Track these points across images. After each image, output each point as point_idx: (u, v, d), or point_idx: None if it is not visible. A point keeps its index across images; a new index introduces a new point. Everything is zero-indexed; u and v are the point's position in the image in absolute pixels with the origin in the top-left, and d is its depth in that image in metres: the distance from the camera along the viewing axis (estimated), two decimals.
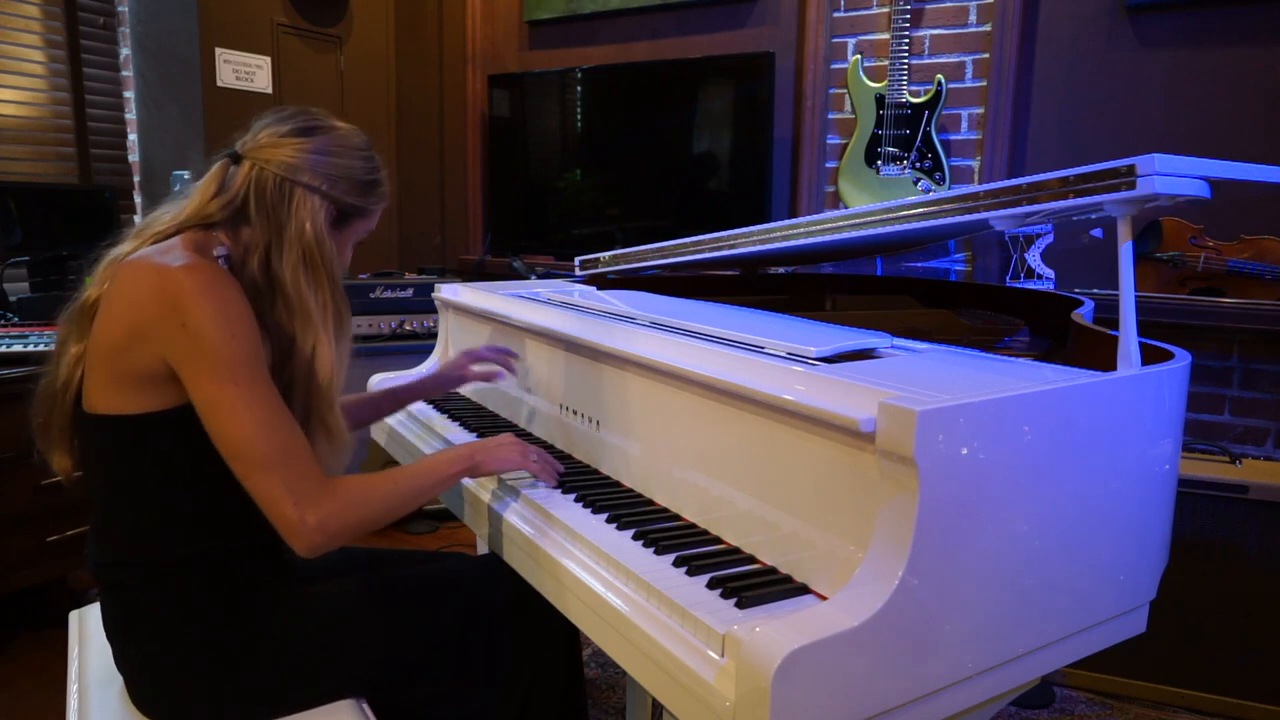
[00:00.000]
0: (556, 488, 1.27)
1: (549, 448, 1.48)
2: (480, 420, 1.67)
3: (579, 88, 3.27)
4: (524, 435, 1.56)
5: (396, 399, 1.63)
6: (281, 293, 1.13)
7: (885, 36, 2.76)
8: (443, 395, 1.88)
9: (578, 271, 2.12)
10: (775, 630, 0.77)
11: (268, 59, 3.32)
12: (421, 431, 1.68)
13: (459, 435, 1.60)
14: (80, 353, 1.11)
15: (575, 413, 1.43)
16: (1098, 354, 1.19)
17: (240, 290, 1.06)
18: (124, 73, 2.99)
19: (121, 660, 1.15)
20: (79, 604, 1.45)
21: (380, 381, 1.92)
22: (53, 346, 1.15)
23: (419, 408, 1.79)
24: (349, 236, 1.24)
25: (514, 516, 1.24)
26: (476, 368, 1.63)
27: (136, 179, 3.03)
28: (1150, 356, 1.15)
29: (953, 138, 2.72)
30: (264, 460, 1.02)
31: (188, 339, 1.01)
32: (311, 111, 1.21)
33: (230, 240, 1.15)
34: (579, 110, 3.29)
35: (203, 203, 1.14)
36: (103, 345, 1.06)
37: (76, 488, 1.15)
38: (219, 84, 3.16)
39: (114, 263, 1.12)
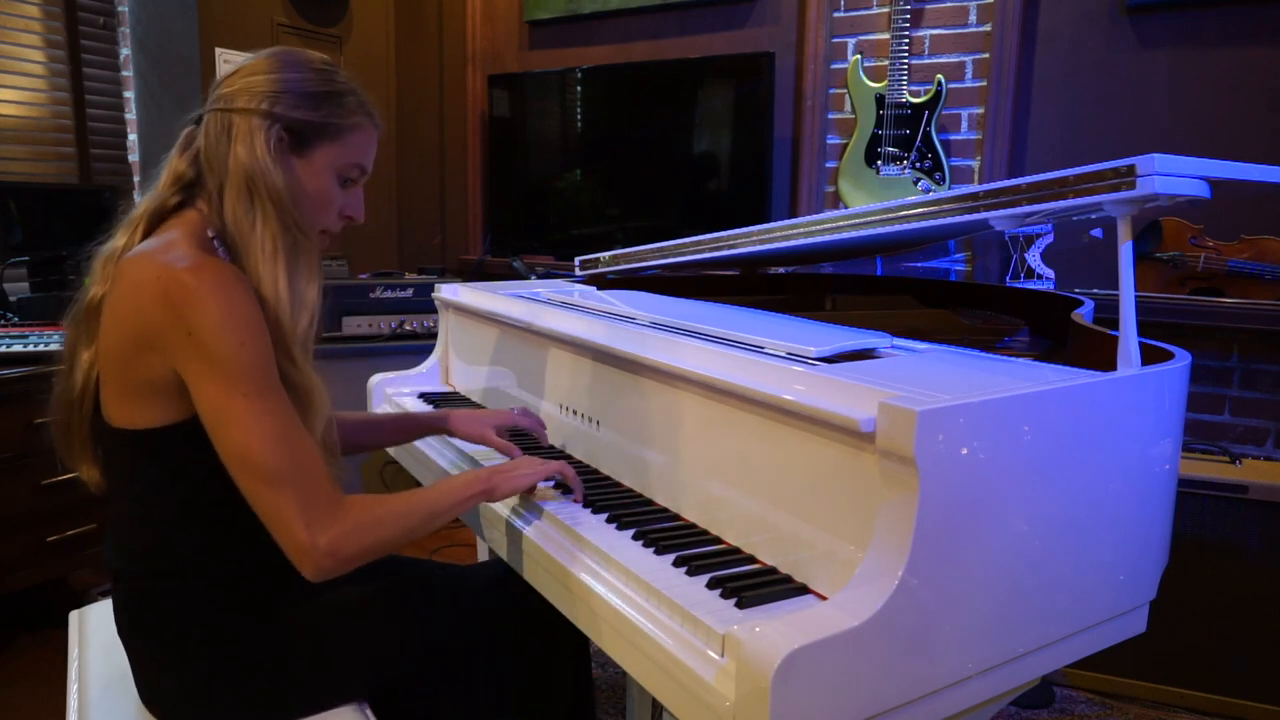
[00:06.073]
0: (584, 506, 1.20)
1: (548, 447, 1.48)
2: None
3: (579, 88, 3.27)
4: (523, 435, 1.56)
5: (405, 428, 1.51)
6: (227, 231, 1.04)
7: (885, 36, 2.76)
8: (441, 398, 1.88)
9: (578, 271, 2.12)
10: (775, 630, 0.77)
11: None
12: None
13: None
14: (92, 358, 1.08)
15: (575, 412, 1.43)
16: (1098, 354, 1.19)
17: (246, 285, 1.01)
18: (124, 73, 2.99)
19: (134, 661, 1.14)
20: (79, 604, 1.45)
21: (380, 382, 1.92)
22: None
23: (422, 406, 1.78)
24: (318, 163, 1.10)
25: (513, 516, 1.24)
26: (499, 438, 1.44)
27: (136, 179, 3.02)
28: (1150, 356, 1.15)
29: (953, 138, 2.72)
30: (275, 475, 0.96)
31: (193, 347, 0.96)
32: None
33: (209, 207, 1.09)
34: (579, 110, 3.29)
35: (174, 165, 1.11)
36: (112, 354, 1.02)
37: (79, 487, 1.14)
38: None
39: (111, 258, 1.08)
